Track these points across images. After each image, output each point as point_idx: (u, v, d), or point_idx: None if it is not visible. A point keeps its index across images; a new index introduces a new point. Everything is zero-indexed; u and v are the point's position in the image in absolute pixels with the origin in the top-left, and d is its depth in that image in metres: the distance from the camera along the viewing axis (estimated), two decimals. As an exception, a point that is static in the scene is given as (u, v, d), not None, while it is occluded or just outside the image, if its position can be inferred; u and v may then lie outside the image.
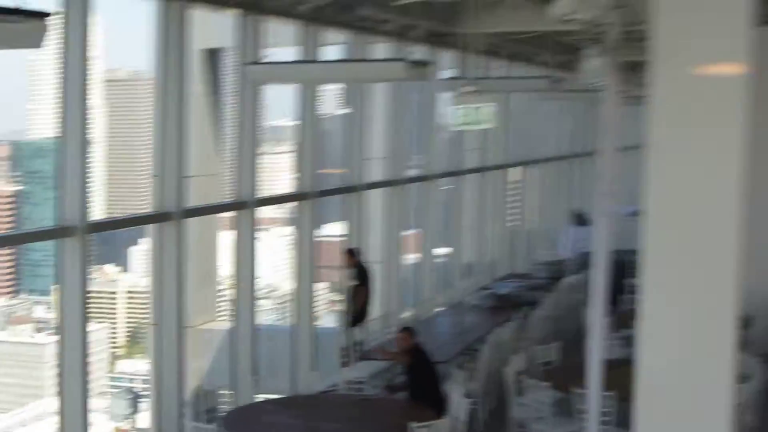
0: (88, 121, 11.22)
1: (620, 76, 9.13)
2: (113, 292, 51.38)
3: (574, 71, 16.12)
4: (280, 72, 10.88)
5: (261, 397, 14.41)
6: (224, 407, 15.04)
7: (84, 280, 11.30)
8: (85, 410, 11.47)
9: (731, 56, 8.76)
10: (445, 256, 22.52)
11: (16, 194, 47.44)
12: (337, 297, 18.89)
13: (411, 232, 20.80)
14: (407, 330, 12.83)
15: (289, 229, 17.36)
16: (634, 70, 10.57)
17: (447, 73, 20.92)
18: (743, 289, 9.16)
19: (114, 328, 51.68)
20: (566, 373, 12.44)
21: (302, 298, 16.49)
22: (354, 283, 16.45)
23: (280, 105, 17.78)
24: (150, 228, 13.30)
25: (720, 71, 8.80)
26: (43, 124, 49.60)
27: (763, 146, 10.94)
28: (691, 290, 9.03)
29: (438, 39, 19.67)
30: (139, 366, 44.23)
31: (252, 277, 15.00)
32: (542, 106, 27.31)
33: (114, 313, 51.84)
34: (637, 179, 9.00)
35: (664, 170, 9.04)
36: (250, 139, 14.72)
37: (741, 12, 8.73)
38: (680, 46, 8.83)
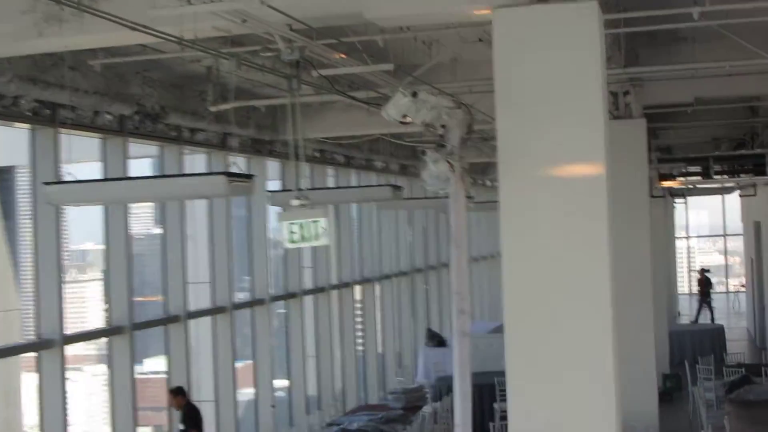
0: None
1: (467, 180, 9.19)
2: None
3: (417, 177, 16.36)
4: (83, 192, 10.70)
5: None
6: None
7: None
8: None
9: (588, 154, 8.91)
10: (285, 389, 22.30)
11: None
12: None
13: (245, 363, 20.58)
14: None
15: (104, 367, 17.02)
16: (483, 172, 10.79)
17: (274, 185, 20.97)
18: (622, 401, 9.27)
19: None
20: None
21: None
22: (183, 426, 16.21)
23: (85, 226, 17.49)
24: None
25: (576, 170, 8.93)
26: None
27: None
28: (566, 407, 9.07)
29: (261, 147, 19.74)
30: None
31: (64, 425, 14.60)
32: (390, 215, 27.46)
33: None
34: (498, 291, 9.03)
35: (520, 279, 9.10)
36: (53, 268, 14.44)
37: (598, 106, 8.90)
38: (530, 145, 8.94)
